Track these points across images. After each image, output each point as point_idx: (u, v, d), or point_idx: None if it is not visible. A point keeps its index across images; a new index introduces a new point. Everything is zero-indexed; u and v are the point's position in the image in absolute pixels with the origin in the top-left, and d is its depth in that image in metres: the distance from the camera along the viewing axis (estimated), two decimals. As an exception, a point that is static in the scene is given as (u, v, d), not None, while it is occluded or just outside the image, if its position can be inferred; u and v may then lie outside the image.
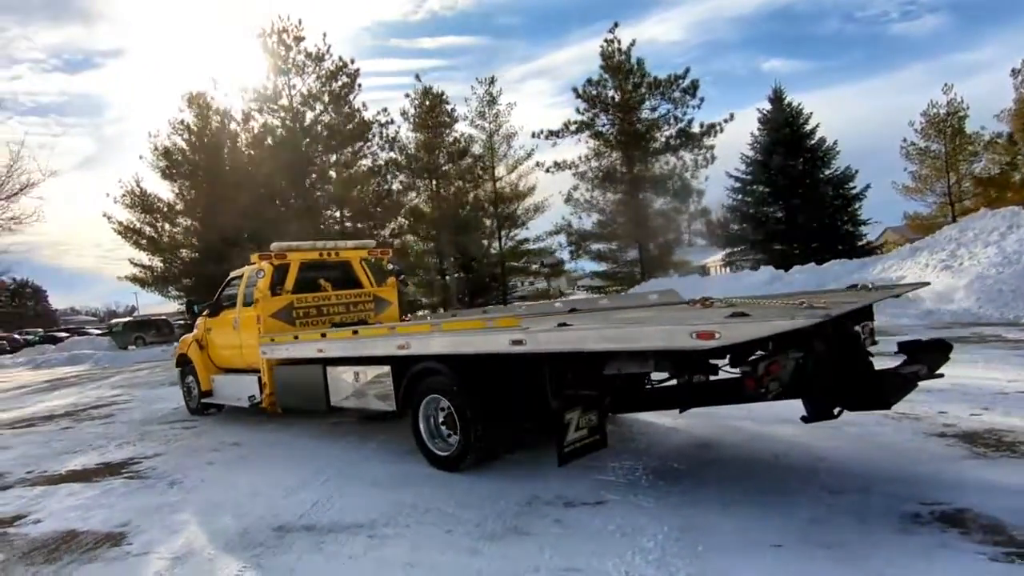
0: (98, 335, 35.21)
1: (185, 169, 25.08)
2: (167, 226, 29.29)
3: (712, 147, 23.37)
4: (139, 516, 4.00)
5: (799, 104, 30.28)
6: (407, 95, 28.19)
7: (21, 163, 24.96)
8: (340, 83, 22.20)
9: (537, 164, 26.18)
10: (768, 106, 30.90)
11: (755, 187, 30.31)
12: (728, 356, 3.10)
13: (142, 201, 27.33)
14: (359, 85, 23.54)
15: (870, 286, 4.50)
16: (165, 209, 27.94)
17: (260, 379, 6.55)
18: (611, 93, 22.50)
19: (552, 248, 32.18)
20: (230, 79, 21.45)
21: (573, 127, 23.20)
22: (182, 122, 25.47)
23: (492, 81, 31.15)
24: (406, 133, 27.47)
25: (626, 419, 5.35)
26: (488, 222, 31.78)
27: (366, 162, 28.08)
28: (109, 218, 27.85)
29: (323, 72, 21.93)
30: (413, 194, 32.01)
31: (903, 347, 4.02)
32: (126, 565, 3.21)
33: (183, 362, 8.22)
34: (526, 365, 3.84)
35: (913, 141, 31.94)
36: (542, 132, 24.45)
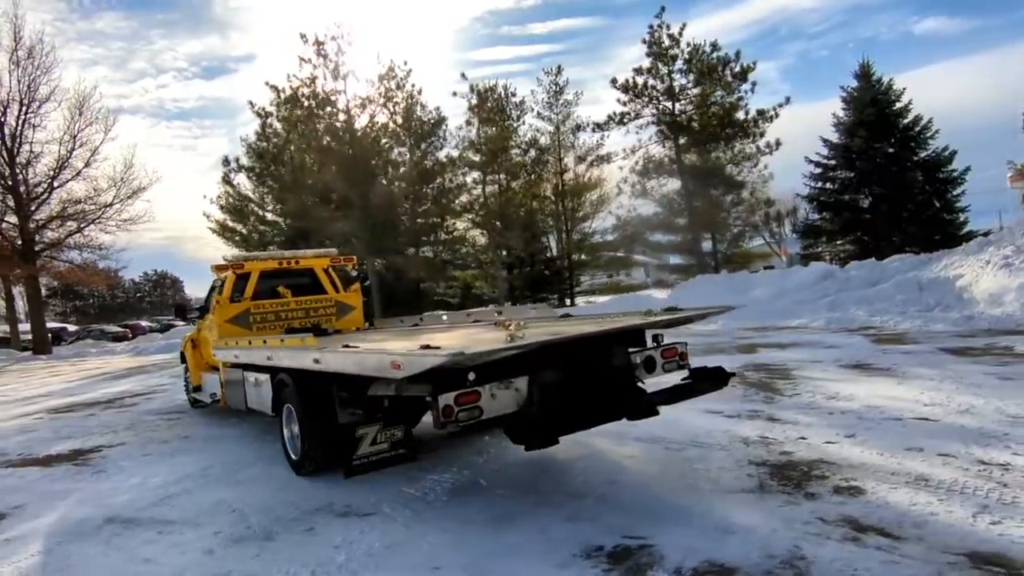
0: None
1: (267, 170, 27.46)
2: (259, 225, 32.25)
3: (762, 132, 21.94)
4: (39, 499, 4.81)
5: (889, 80, 27.73)
6: (453, 94, 28.91)
7: (133, 170, 28.55)
8: (391, 85, 23.37)
9: (580, 158, 25.98)
10: (854, 83, 28.62)
11: (835, 173, 28.17)
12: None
13: (236, 201, 30.22)
14: (413, 85, 24.64)
15: (655, 310, 4.37)
16: (257, 210, 30.77)
17: (220, 379, 7.37)
18: (653, 82, 21.80)
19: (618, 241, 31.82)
20: (292, 85, 23.05)
21: (617, 119, 22.77)
22: (270, 125, 27.97)
23: (559, 71, 31.27)
24: (461, 128, 28.15)
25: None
26: (547, 216, 32.08)
27: (434, 157, 29.29)
28: (208, 216, 31.05)
29: (374, 76, 23.29)
30: (478, 189, 32.95)
31: (691, 372, 3.98)
32: (-22, 540, 3.95)
33: (183, 359, 9.31)
34: (327, 382, 4.21)
35: (1035, 113, 28.08)
36: (588, 124, 24.21)
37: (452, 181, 28.01)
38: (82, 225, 28.68)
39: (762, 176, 25.08)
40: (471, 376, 3.17)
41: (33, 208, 27.09)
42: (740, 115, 21.27)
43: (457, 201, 30.61)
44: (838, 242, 28.34)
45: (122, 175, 28.32)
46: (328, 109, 22.41)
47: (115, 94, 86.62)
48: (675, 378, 4.18)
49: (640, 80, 21.88)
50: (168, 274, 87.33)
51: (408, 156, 28.36)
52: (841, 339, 10.43)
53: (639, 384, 3.90)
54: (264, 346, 5.25)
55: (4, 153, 26.19)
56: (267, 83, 23.39)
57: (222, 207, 31.14)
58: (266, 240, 32.23)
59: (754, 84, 21.88)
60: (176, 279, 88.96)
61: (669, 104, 22.04)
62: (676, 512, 3.36)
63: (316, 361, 4.03)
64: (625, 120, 22.57)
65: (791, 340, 10.83)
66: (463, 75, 31.41)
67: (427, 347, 3.15)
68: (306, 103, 22.08)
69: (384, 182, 25.27)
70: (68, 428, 8.17)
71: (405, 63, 25.67)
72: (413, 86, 25.27)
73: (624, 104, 22.42)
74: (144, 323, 48.62)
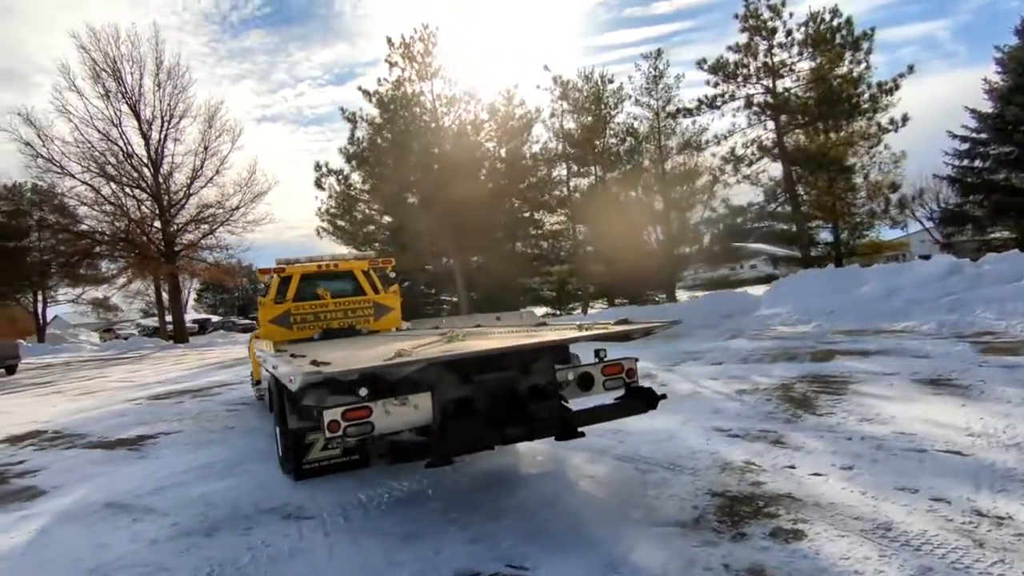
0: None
1: (358, 170, 29.21)
2: (365, 224, 34.41)
3: (876, 108, 19.47)
4: (77, 480, 5.54)
5: (1059, 33, 23.69)
6: (537, 86, 28.80)
7: (255, 176, 31.67)
8: (477, 82, 23.98)
9: (679, 145, 24.86)
10: (1015, 41, 24.79)
11: (986, 149, 24.60)
12: None
13: (340, 201, 32.44)
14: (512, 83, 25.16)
15: (586, 324, 4.06)
16: (365, 208, 32.86)
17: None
18: (748, 60, 20.11)
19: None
20: (382, 89, 24.25)
21: (708, 102, 21.43)
22: (369, 130, 29.78)
23: (658, 54, 30.08)
24: (545, 120, 28.04)
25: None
26: (646, 208, 31.08)
27: (523, 152, 29.52)
28: (319, 214, 33.55)
29: (462, 74, 23.99)
30: (572, 182, 32.76)
31: (628, 391, 3.73)
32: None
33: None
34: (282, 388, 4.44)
35: None
36: (679, 111, 23.08)
37: (537, 175, 27.97)
38: (213, 227, 32.30)
39: (893, 156, 22.44)
40: (362, 391, 3.21)
41: (173, 213, 30.93)
42: (853, 89, 19.08)
43: (552, 194, 30.56)
44: (989, 230, 24.77)
45: (246, 181, 31.54)
46: (415, 110, 23.31)
47: (260, 104, 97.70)
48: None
49: (733, 59, 20.39)
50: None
51: (497, 151, 28.70)
52: (943, 347, 9.14)
53: (564, 403, 3.71)
54: (262, 349, 5.65)
55: (150, 165, 30.11)
56: (359, 88, 24.86)
57: (319, 209, 33.64)
58: (370, 238, 34.33)
59: (868, 52, 19.58)
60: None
61: (768, 82, 20.34)
62: (582, 542, 3.19)
63: (274, 368, 4.28)
64: (717, 103, 21.18)
65: (881, 347, 9.67)
66: (546, 67, 31.09)
67: (315, 363, 3.24)
68: (392, 105, 23.16)
69: (475, 178, 25.82)
70: (151, 414, 9.30)
71: (495, 60, 26.07)
72: (515, 85, 25.71)
73: (715, 86, 21.08)
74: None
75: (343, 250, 32.21)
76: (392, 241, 27.83)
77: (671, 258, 32.78)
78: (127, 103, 29.33)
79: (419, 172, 23.34)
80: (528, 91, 38.26)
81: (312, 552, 3.39)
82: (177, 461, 5.96)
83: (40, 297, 39.08)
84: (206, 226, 32.21)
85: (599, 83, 32.23)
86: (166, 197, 30.69)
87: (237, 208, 32.12)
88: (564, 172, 31.22)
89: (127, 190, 30.08)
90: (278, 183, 36.09)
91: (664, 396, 3.81)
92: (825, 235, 26.03)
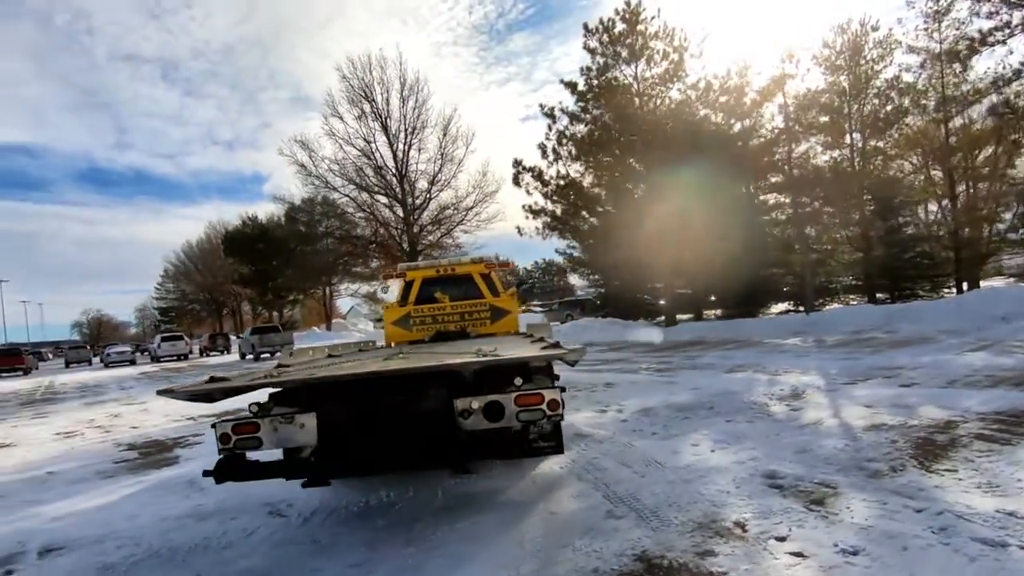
0: (539, 310, 44.86)
1: (566, 163, 29.74)
2: (587, 216, 35.20)
3: None
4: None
5: None
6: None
7: (486, 177, 34.71)
8: (673, 61, 22.51)
9: (966, 97, 19.88)
10: None
11: None
12: None
13: (551, 195, 33.67)
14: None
15: (484, 353, 3.50)
16: (571, 203, 33.66)
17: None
18: None
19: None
20: (587, 79, 24.24)
21: (979, 39, 16.55)
22: (570, 119, 30.20)
23: (941, -17, 24.65)
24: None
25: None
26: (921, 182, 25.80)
27: (770, 127, 26.95)
28: (534, 210, 35.35)
29: (658, 51, 22.67)
30: (825, 156, 28.92)
31: (522, 430, 3.33)
32: (141, 474, 6.12)
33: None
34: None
35: None
36: (944, 53, 18.49)
37: (772, 155, 25.14)
38: (451, 228, 36.27)
39: None
40: (253, 408, 3.51)
41: (416, 217, 35.54)
42: None
43: (791, 172, 27.38)
44: None
45: (478, 182, 34.74)
46: (620, 97, 22.86)
47: (523, 104, 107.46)
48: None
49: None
50: (554, 261, 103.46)
51: (725, 128, 26.60)
52: None
53: (467, 434, 3.46)
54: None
55: (396, 174, 35.06)
56: (561, 80, 25.26)
57: (523, 206, 35.04)
58: (593, 231, 34.75)
59: None
60: (559, 265, 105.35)
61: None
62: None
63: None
64: (996, 37, 16.23)
65: None
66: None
67: (212, 379, 3.62)
68: (589, 95, 23.09)
69: (696, 163, 24.44)
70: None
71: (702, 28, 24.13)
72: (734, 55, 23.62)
73: (988, 16, 16.15)
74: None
75: (562, 244, 33.18)
76: (601, 234, 27.88)
77: (961, 241, 26.84)
78: (379, 121, 34.56)
79: (630, 159, 22.97)
80: (765, 62, 34.86)
81: (237, 548, 3.84)
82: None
83: (327, 292, 48.55)
84: (444, 227, 36.30)
85: (858, 33, 27.83)
86: (410, 201, 35.39)
87: (471, 208, 35.51)
88: (801, 146, 27.73)
89: (378, 198, 35.50)
90: (505, 181, 38.68)
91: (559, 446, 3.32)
92: None
